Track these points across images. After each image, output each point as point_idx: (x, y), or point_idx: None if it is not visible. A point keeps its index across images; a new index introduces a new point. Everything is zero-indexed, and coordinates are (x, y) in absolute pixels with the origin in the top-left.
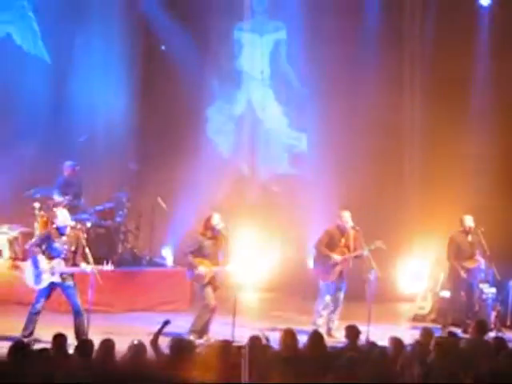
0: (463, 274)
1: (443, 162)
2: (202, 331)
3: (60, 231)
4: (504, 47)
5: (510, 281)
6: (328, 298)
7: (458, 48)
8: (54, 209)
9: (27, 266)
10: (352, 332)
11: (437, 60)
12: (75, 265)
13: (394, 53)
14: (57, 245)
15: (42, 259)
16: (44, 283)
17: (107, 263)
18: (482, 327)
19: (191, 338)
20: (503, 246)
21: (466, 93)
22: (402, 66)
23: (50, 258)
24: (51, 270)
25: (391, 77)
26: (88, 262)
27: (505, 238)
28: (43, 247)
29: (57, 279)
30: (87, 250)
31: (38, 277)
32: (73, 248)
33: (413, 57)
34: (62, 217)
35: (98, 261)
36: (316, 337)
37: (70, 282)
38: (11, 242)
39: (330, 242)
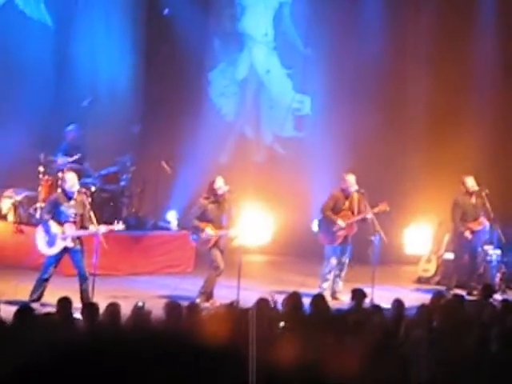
0: (468, 235)
1: (447, 124)
2: (210, 294)
3: (68, 195)
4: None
5: None
6: (334, 260)
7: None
8: (60, 173)
9: (38, 232)
10: (358, 295)
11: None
12: (84, 228)
13: (400, 18)
14: (64, 209)
15: (53, 225)
16: (57, 249)
17: (117, 222)
18: (488, 290)
19: (198, 300)
20: (508, 207)
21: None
22: (407, 30)
23: (59, 222)
24: (63, 235)
25: (397, 41)
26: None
27: (509, 200)
28: (52, 212)
29: (69, 243)
30: (92, 214)
31: (51, 242)
32: (80, 211)
33: (420, 24)
34: (71, 181)
35: (105, 223)
36: (319, 300)
37: (78, 247)
38: (16, 206)
39: (334, 206)
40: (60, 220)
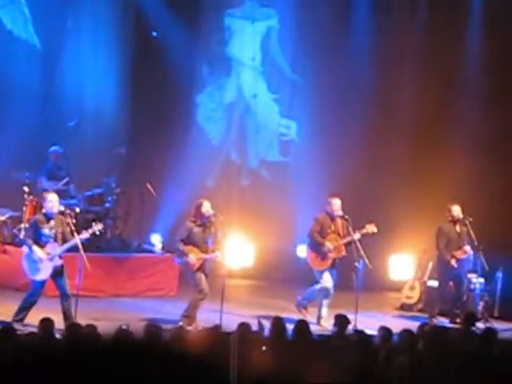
0: (454, 263)
1: (434, 150)
2: (193, 318)
3: (47, 216)
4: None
5: (497, 271)
6: (323, 282)
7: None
8: (44, 194)
9: (24, 262)
10: (340, 321)
11: (429, 53)
12: (66, 242)
13: (387, 42)
14: (45, 231)
15: (37, 250)
16: (47, 272)
17: (96, 223)
18: (471, 318)
19: (181, 323)
20: (491, 236)
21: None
22: (393, 55)
23: (41, 245)
24: (49, 257)
25: (383, 66)
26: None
27: (493, 228)
28: (33, 235)
29: (57, 262)
30: (75, 233)
31: (36, 269)
32: (60, 230)
33: (405, 47)
34: (52, 202)
35: (85, 246)
36: (302, 325)
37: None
38: (0, 226)
39: (321, 230)
40: (42, 242)
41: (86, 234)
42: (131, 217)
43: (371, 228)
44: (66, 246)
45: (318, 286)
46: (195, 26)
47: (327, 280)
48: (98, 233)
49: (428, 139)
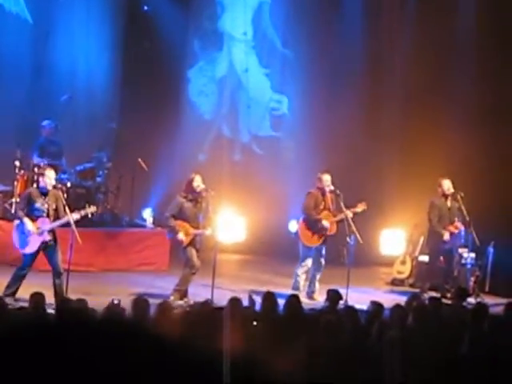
0: (446, 237)
1: (424, 123)
2: (184, 292)
3: (41, 190)
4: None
5: (488, 246)
6: (309, 261)
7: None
8: (37, 169)
9: (14, 233)
10: (332, 296)
11: (420, 25)
12: (58, 219)
13: (379, 15)
14: (38, 205)
15: (28, 222)
16: (34, 246)
17: (89, 206)
18: (462, 293)
19: (172, 298)
20: (482, 210)
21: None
22: (385, 28)
23: (33, 219)
24: (39, 231)
25: (375, 39)
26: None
27: (484, 203)
28: (25, 210)
29: (46, 237)
30: (67, 209)
31: (25, 241)
32: (54, 206)
33: (397, 20)
34: (50, 179)
35: (76, 221)
36: (293, 300)
37: (52, 243)
38: None
39: (314, 205)
40: (34, 216)
41: (77, 215)
42: (122, 191)
43: (362, 206)
44: (57, 223)
45: (300, 271)
46: (187, 1)
47: (308, 263)
48: (89, 215)
49: (420, 113)
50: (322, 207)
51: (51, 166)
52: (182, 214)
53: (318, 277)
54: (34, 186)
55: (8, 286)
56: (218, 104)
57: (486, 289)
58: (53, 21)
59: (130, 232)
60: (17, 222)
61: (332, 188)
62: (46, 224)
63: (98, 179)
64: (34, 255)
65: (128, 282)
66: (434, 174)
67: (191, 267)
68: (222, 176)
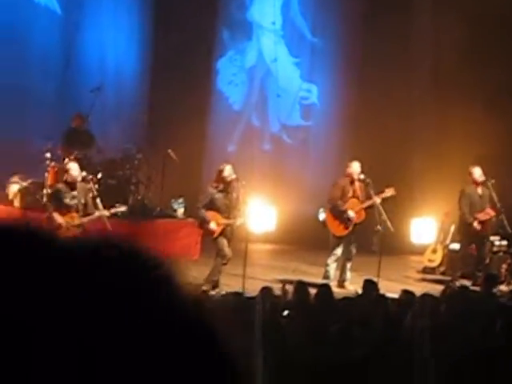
0: (477, 226)
1: (455, 111)
2: (216, 282)
3: (70, 184)
4: None
5: None
6: (339, 250)
7: None
8: (65, 161)
9: (43, 225)
10: (368, 285)
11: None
12: (88, 215)
13: (406, 10)
14: (67, 200)
15: (57, 216)
16: None
17: (119, 205)
18: (491, 279)
19: (204, 288)
20: None
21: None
22: (412, 22)
23: (62, 213)
24: (67, 225)
25: (401, 33)
26: (101, 208)
27: None
28: (55, 204)
29: (74, 232)
30: (98, 200)
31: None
32: (83, 201)
33: (423, 16)
34: (73, 171)
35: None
36: (325, 290)
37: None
38: (22, 192)
39: (341, 195)
40: (64, 210)
41: (106, 213)
42: (153, 182)
43: (390, 191)
44: (88, 218)
45: (330, 260)
46: None
47: (338, 252)
48: (119, 214)
49: (452, 99)
50: (350, 195)
51: (76, 158)
52: (212, 205)
53: (348, 265)
54: (66, 179)
55: None
56: (248, 94)
57: None
58: (82, 12)
59: (160, 222)
60: (46, 215)
61: (362, 177)
62: (76, 219)
63: (128, 170)
64: None
65: None
66: (467, 160)
67: (222, 257)
68: (252, 166)
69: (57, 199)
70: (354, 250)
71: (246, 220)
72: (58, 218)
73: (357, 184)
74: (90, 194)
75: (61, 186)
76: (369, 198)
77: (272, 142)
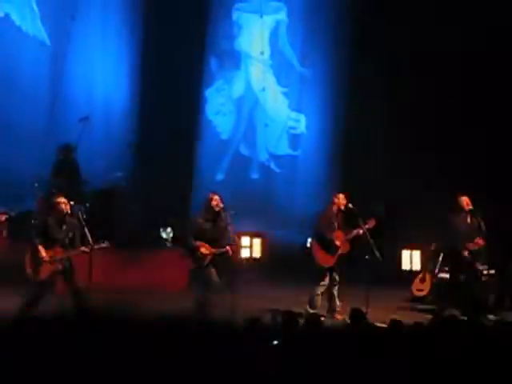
0: (466, 254)
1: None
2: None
3: (58, 219)
4: None
5: (509, 263)
6: (326, 279)
7: None
8: (54, 194)
9: (27, 258)
10: (356, 315)
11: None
12: (73, 248)
13: (394, 34)
14: (54, 234)
15: (41, 249)
16: (44, 274)
17: (103, 241)
18: (478, 308)
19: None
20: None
21: None
22: (403, 48)
23: (48, 247)
24: (51, 259)
25: (391, 56)
26: (87, 243)
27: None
28: (41, 237)
29: (58, 267)
30: (86, 230)
31: (36, 269)
32: (70, 235)
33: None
34: (61, 204)
35: (95, 241)
36: (313, 319)
37: (66, 268)
38: (10, 222)
39: (327, 225)
40: (51, 244)
41: (87, 249)
42: (141, 211)
43: (372, 222)
44: (72, 253)
45: (317, 290)
46: (204, 21)
47: (325, 281)
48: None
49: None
50: (336, 226)
51: (64, 189)
52: (200, 235)
53: (335, 293)
54: (51, 213)
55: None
56: (236, 123)
57: (508, 305)
58: (70, 42)
59: (149, 252)
60: (32, 247)
61: (350, 205)
62: (59, 255)
63: (117, 199)
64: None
65: (147, 301)
66: (455, 190)
67: (210, 287)
68: (240, 195)
69: (44, 233)
70: (337, 278)
71: (234, 249)
72: (43, 251)
73: (344, 215)
74: (79, 227)
75: (50, 220)
76: (356, 227)
77: (260, 171)
